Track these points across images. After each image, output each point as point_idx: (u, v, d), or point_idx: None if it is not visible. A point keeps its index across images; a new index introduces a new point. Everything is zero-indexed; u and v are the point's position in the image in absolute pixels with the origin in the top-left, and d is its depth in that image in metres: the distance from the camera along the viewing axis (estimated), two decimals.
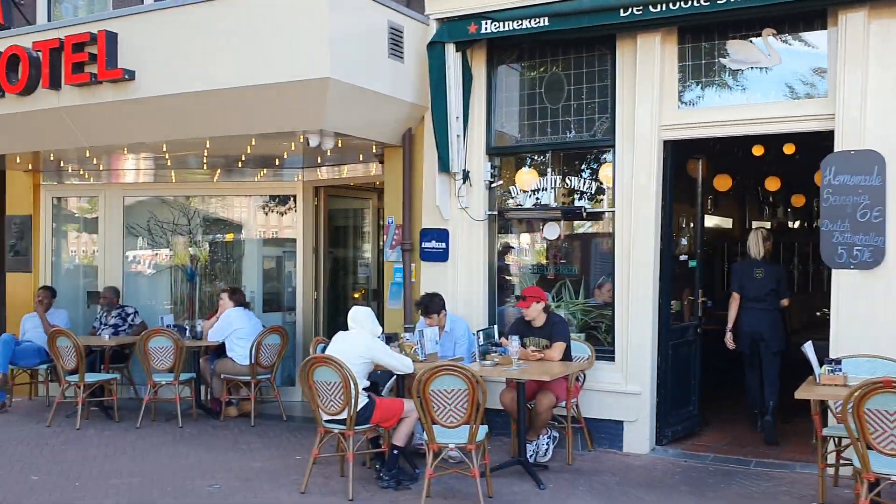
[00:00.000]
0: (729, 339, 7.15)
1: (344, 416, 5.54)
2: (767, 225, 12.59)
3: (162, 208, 10.05)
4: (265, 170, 9.39)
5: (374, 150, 7.86)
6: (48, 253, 9.84)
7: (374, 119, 7.01)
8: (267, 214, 10.01)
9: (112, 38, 6.87)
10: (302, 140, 7.08)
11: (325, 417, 5.66)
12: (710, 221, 11.00)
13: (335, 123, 6.55)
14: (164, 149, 7.80)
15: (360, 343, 5.70)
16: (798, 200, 12.68)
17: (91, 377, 8.06)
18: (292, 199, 9.53)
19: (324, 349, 6.61)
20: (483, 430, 5.29)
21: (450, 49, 6.96)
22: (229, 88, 6.45)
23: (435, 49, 6.97)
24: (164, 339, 7.88)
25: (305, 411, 8.74)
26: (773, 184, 11.47)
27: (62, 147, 7.84)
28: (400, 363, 5.78)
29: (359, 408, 5.53)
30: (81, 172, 9.69)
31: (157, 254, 10.00)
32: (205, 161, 8.75)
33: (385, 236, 7.71)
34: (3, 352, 8.65)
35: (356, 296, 10.52)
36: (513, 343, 5.81)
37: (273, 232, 10.02)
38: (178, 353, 7.89)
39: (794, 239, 12.69)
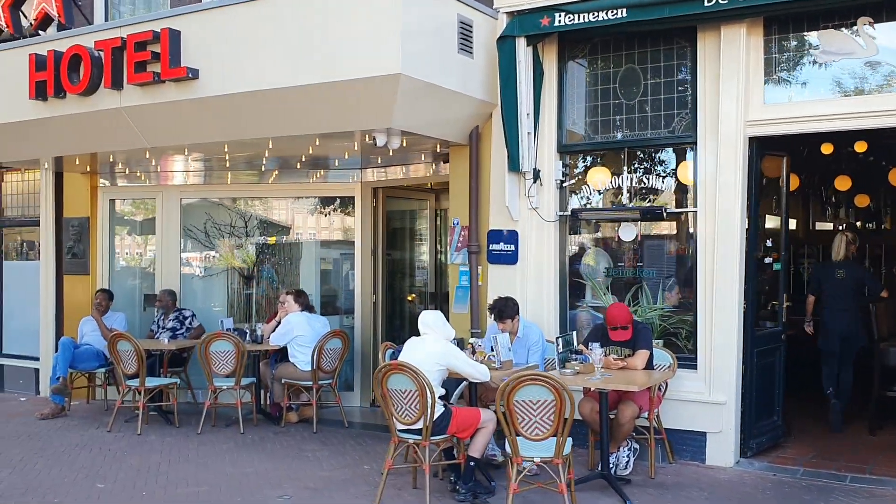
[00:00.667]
0: (808, 326, 7.53)
1: (419, 425, 5.30)
2: (830, 226, 12.14)
3: (218, 210, 9.94)
4: (322, 171, 9.22)
5: (437, 150, 7.63)
6: (105, 255, 9.78)
7: (442, 117, 6.77)
8: (324, 216, 9.84)
9: (175, 36, 6.72)
10: (368, 139, 6.86)
11: (399, 427, 5.43)
12: (772, 222, 10.60)
13: (403, 121, 6.32)
14: (226, 149, 7.65)
15: (435, 349, 5.46)
16: (862, 200, 12.14)
17: (152, 381, 7.94)
18: (350, 200, 9.33)
19: (393, 355, 6.40)
20: (569, 443, 5.01)
21: (520, 43, 6.69)
22: (296, 87, 6.26)
23: (505, 43, 6.71)
24: (226, 343, 7.73)
25: (364, 417, 8.56)
26: (843, 183, 10.97)
27: (123, 148, 7.73)
28: (477, 371, 5.53)
29: (435, 417, 5.28)
30: (138, 174, 9.62)
31: (213, 256, 9.89)
32: (263, 162, 8.60)
33: (450, 238, 7.45)
34: (63, 355, 8.58)
35: (409, 298, 10.30)
36: (595, 351, 5.51)
37: (330, 234, 9.84)
38: (239, 358, 7.73)
39: (863, 241, 12.18)
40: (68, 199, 9.88)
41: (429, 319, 5.61)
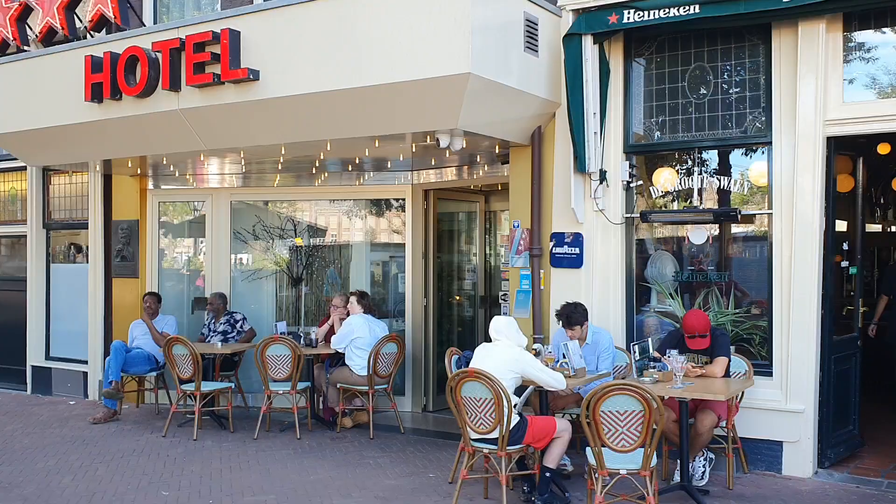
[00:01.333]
0: (872, 330, 7.39)
1: (495, 435, 5.15)
2: (879, 227, 11.81)
3: (267, 213, 9.88)
4: (372, 173, 9.11)
5: (495, 151, 7.47)
6: (154, 258, 9.74)
7: (506, 116, 6.62)
8: (374, 218, 9.73)
9: (235, 36, 6.63)
10: (429, 141, 6.72)
11: (474, 436, 5.28)
12: (839, 225, 10.34)
13: (469, 122, 6.17)
14: (282, 152, 7.54)
15: (507, 356, 5.31)
16: None
17: (207, 386, 7.86)
18: (400, 202, 9.22)
19: (458, 361, 6.26)
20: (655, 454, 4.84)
21: (587, 41, 6.53)
22: (359, 88, 6.12)
23: (571, 41, 6.55)
24: (282, 348, 7.63)
25: (417, 422, 8.44)
26: None
27: (179, 150, 7.66)
28: (552, 378, 5.37)
29: (511, 426, 5.13)
30: (188, 177, 9.56)
31: (261, 259, 9.81)
32: (315, 164, 8.49)
33: (510, 241, 7.29)
34: (115, 359, 8.53)
35: (452, 301, 10.15)
36: (678, 359, 5.32)
37: (379, 236, 9.73)
38: (295, 362, 7.63)
39: None
40: (117, 202, 9.85)
41: (501, 325, 5.46)
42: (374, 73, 6.04)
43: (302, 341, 8.17)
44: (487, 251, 9.84)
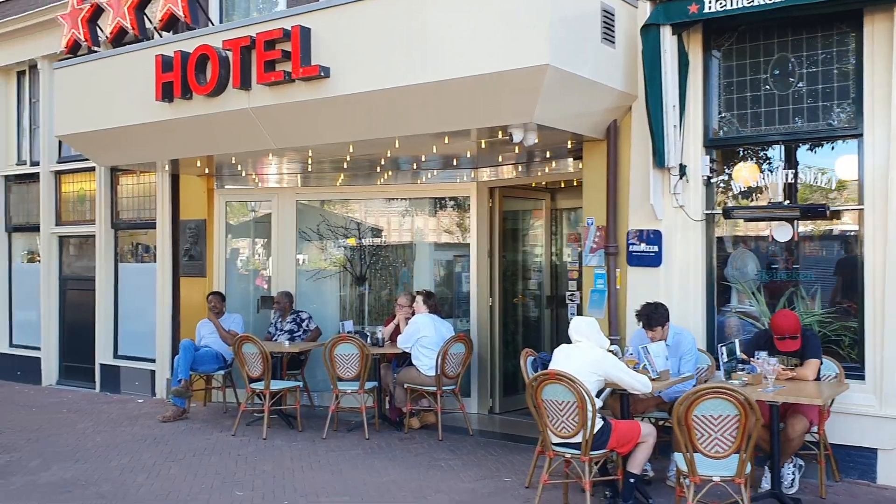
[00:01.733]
0: None
1: (578, 439, 4.98)
2: None
3: (331, 211, 9.85)
4: (436, 171, 9.00)
5: (568, 146, 7.28)
6: (221, 257, 9.78)
7: (582, 110, 6.44)
8: (438, 216, 9.62)
9: (306, 33, 6.57)
10: (502, 136, 6.58)
11: (555, 440, 5.12)
12: None
13: (546, 115, 6.01)
14: (350, 150, 7.48)
15: (590, 357, 5.14)
16: None
17: (276, 385, 7.84)
18: (465, 200, 9.09)
19: (535, 363, 6.10)
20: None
21: (665, 32, 6.32)
22: (433, 83, 6.01)
23: (649, 32, 6.34)
24: (351, 347, 7.57)
25: (483, 424, 8.29)
26: None
27: (248, 149, 7.65)
28: (637, 381, 5.18)
29: (595, 430, 4.96)
30: (253, 176, 9.58)
31: (325, 258, 9.78)
32: (381, 163, 8.42)
33: (583, 239, 7.10)
34: (185, 357, 8.57)
35: (515, 301, 9.97)
36: (767, 361, 5.08)
37: (443, 235, 9.61)
38: (363, 361, 7.57)
39: None
40: (184, 202, 9.93)
41: (582, 327, 5.29)
42: (448, 68, 5.92)
43: (368, 340, 8.10)
44: (553, 250, 9.64)
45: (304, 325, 8.90)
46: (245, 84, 6.97)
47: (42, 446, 7.41)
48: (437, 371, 7.55)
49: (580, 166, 7.94)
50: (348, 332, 8.21)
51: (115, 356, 10.84)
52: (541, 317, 9.57)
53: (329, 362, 7.64)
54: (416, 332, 7.69)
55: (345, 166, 8.65)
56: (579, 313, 9.33)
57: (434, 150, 7.55)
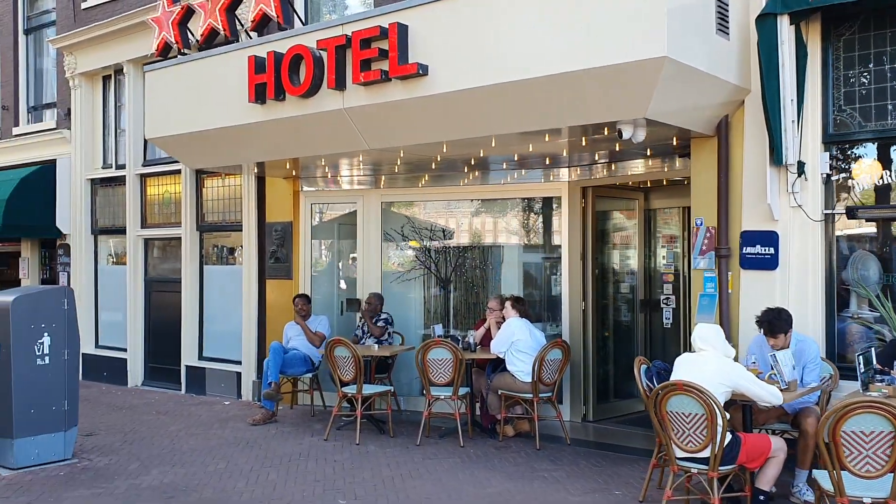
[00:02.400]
0: None
1: (706, 454, 4.69)
2: None
3: (416, 212, 9.70)
4: (525, 170, 8.76)
5: (673, 143, 6.97)
6: (307, 260, 9.72)
7: (695, 104, 6.13)
8: (527, 217, 9.38)
9: (403, 31, 6.42)
10: (606, 133, 6.31)
11: (680, 454, 4.84)
12: None
13: (658, 110, 5.71)
14: (443, 150, 7.30)
15: (718, 367, 4.85)
16: None
17: (368, 389, 7.71)
18: (555, 201, 8.83)
19: (649, 372, 5.82)
20: None
21: (783, 21, 5.96)
22: (540, 78, 5.78)
23: (765, 22, 6.00)
24: (444, 352, 7.39)
25: (576, 432, 8.01)
26: None
27: (340, 151, 7.55)
28: (768, 393, 4.87)
29: (724, 444, 4.66)
30: (339, 178, 9.50)
31: (409, 260, 9.63)
32: (471, 162, 8.23)
33: (692, 241, 6.78)
34: (274, 360, 8.52)
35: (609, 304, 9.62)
36: None
37: (533, 236, 9.37)
38: (457, 366, 7.38)
39: None
40: (271, 204, 9.90)
41: (708, 334, 5.00)
42: (556, 62, 5.69)
43: (460, 345, 7.91)
44: (646, 252, 9.30)
45: (378, 324, 8.79)
46: (340, 84, 6.85)
47: (138, 449, 7.42)
48: (533, 377, 7.32)
49: (677, 164, 7.64)
50: (438, 336, 8.05)
51: (200, 358, 10.89)
52: (633, 321, 9.25)
53: (422, 367, 7.48)
54: (511, 336, 7.47)
55: (432, 167, 8.48)
56: (674, 319, 9.04)
57: (529, 149, 7.31)
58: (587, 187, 8.63)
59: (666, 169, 8.00)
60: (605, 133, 6.34)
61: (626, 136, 6.07)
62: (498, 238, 9.52)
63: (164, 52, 8.65)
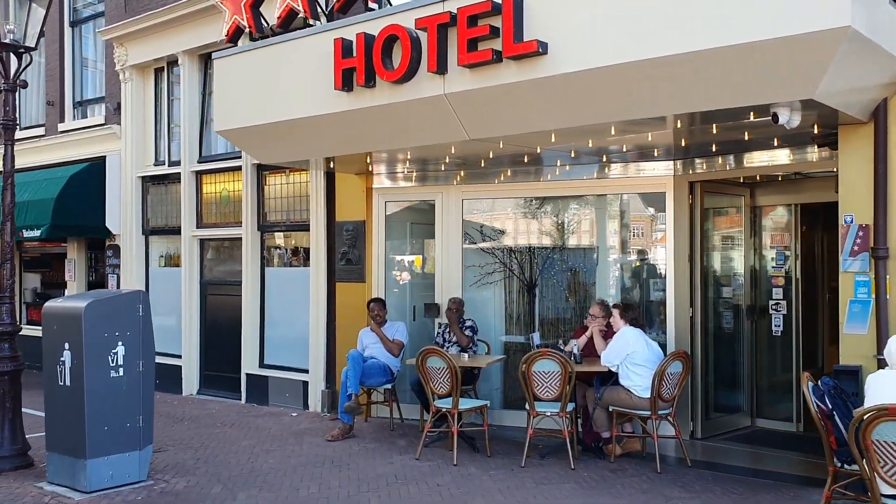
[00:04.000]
0: None
1: None
2: None
3: (497, 210, 9.01)
4: (624, 163, 8.03)
5: (815, 131, 6.21)
6: (381, 262, 9.06)
7: (858, 84, 5.41)
8: (623, 216, 8.65)
9: (519, 5, 5.71)
10: (753, 118, 5.58)
11: (889, 491, 4.10)
12: None
13: (827, 90, 4.97)
14: (552, 139, 6.59)
15: None
16: None
17: (465, 403, 7.03)
18: (658, 197, 8.10)
19: (817, 391, 5.06)
20: None
21: None
22: (687, 54, 5.05)
23: None
24: (552, 363, 6.69)
25: (690, 452, 7.24)
26: None
27: (436, 142, 6.86)
28: None
29: None
30: (414, 173, 8.82)
31: (491, 262, 8.93)
32: (571, 155, 7.53)
33: (841, 240, 6.02)
34: (354, 370, 7.86)
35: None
36: None
37: (630, 236, 8.64)
38: (565, 380, 6.67)
39: None
40: (341, 202, 9.26)
41: None
42: (709, 36, 4.95)
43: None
44: (752, 253, 8.54)
45: (465, 333, 8.11)
46: (441, 67, 6.15)
47: (215, 468, 6.78)
48: (652, 393, 6.59)
49: (812, 156, 6.90)
50: (537, 346, 7.36)
51: (261, 365, 10.27)
52: (739, 329, 8.48)
53: (525, 380, 6.77)
54: (625, 347, 6.76)
55: (525, 160, 7.77)
56: (785, 326, 8.28)
57: (649, 139, 6.60)
58: (694, 182, 7.88)
59: (779, 161, 7.26)
60: (751, 118, 5.61)
61: (781, 120, 5.33)
62: (590, 238, 8.81)
63: (235, 37, 8.01)
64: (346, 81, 6.71)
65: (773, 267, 8.45)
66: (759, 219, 8.57)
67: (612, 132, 6.21)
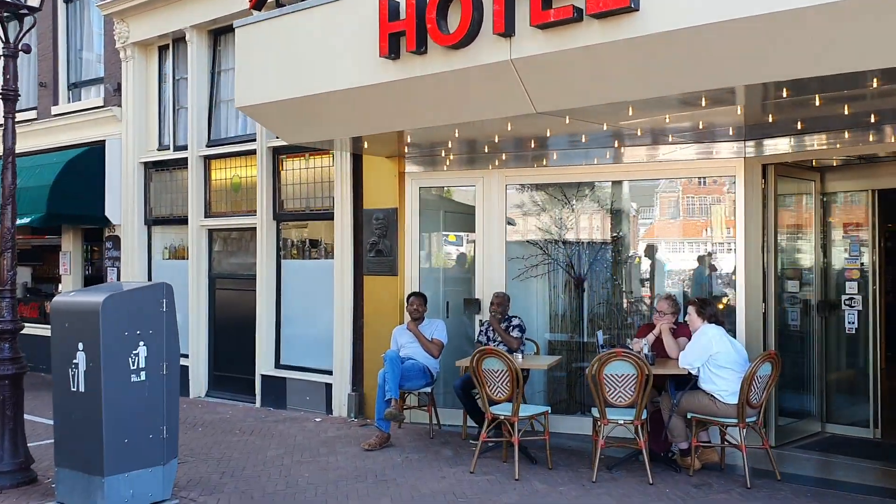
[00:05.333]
0: None
1: None
2: None
3: (545, 196, 8.27)
4: (683, 146, 7.30)
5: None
6: (415, 253, 8.29)
7: None
8: (683, 202, 7.93)
9: None
10: (877, 84, 4.86)
11: None
12: None
13: None
14: (629, 113, 5.84)
15: None
16: None
17: (526, 410, 6.29)
18: (725, 181, 7.40)
19: None
20: None
21: None
22: (809, 7, 4.32)
23: None
24: (627, 366, 5.96)
25: (759, 462, 6.53)
26: None
27: (494, 116, 6.10)
28: None
29: None
30: (450, 157, 8.05)
31: (535, 254, 8.19)
32: (637, 133, 6.79)
33: None
34: (392, 372, 7.10)
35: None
36: None
37: (690, 225, 7.92)
38: (642, 384, 5.94)
39: None
40: (369, 188, 8.48)
41: None
42: None
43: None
44: (822, 244, 7.84)
45: (523, 335, 7.38)
46: (508, 29, 5.38)
47: (245, 485, 5.99)
48: (740, 398, 5.88)
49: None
50: (601, 346, 6.64)
51: (278, 366, 9.49)
52: (808, 326, 7.77)
53: (596, 385, 6.03)
54: (708, 347, 6.04)
55: (582, 140, 7.03)
56: (860, 323, 7.60)
57: (739, 112, 5.87)
58: (767, 164, 7.16)
59: (859, 142, 6.57)
60: (874, 84, 4.88)
61: None
62: (652, 227, 8.09)
63: (259, 4, 7.23)
64: (392, 48, 5.94)
65: (846, 259, 7.76)
66: (829, 206, 7.86)
67: (703, 103, 5.47)
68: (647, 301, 7.83)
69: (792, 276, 7.84)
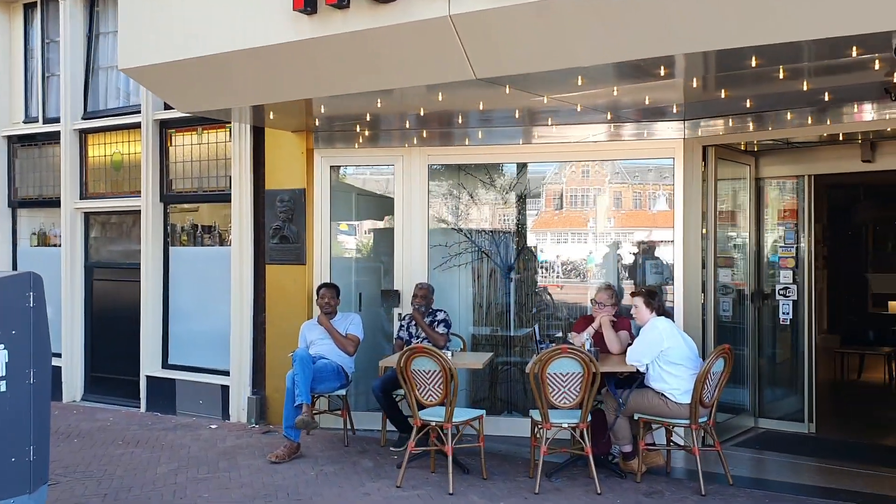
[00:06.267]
0: None
1: None
2: None
3: (468, 179, 7.62)
4: (621, 124, 6.80)
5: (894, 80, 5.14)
6: (325, 239, 7.46)
7: None
8: (618, 186, 7.45)
9: None
10: (857, 52, 4.43)
11: None
12: None
13: None
14: (579, 83, 5.21)
15: None
16: None
17: (461, 415, 5.61)
18: (663, 163, 6.96)
19: None
20: None
21: None
22: None
23: None
24: (573, 363, 5.37)
25: (711, 465, 6.12)
26: None
27: (426, 83, 5.38)
28: None
29: None
30: (365, 132, 7.27)
31: (458, 241, 7.54)
32: (578, 108, 6.19)
33: None
34: (304, 374, 6.27)
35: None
36: None
37: (625, 211, 7.46)
38: (588, 383, 5.37)
39: None
40: (272, 166, 7.58)
41: None
42: None
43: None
44: (756, 232, 7.52)
45: (449, 330, 6.71)
46: None
47: None
48: (693, 397, 5.40)
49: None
50: (539, 341, 6.05)
51: (165, 366, 8.46)
52: (741, 317, 7.45)
53: (538, 385, 5.42)
54: (658, 342, 5.53)
55: (518, 115, 6.41)
56: (794, 314, 7.34)
57: (681, 88, 5.37)
58: (707, 147, 6.75)
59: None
60: (853, 53, 4.44)
61: None
62: (584, 211, 7.56)
63: None
64: (308, 0, 5.11)
65: (781, 247, 7.47)
66: (763, 192, 7.55)
67: (662, 72, 4.92)
68: (583, 292, 7.31)
69: (724, 265, 7.49)
